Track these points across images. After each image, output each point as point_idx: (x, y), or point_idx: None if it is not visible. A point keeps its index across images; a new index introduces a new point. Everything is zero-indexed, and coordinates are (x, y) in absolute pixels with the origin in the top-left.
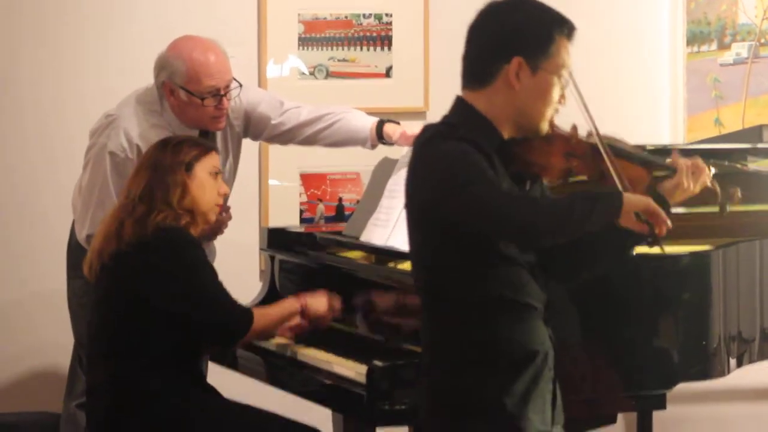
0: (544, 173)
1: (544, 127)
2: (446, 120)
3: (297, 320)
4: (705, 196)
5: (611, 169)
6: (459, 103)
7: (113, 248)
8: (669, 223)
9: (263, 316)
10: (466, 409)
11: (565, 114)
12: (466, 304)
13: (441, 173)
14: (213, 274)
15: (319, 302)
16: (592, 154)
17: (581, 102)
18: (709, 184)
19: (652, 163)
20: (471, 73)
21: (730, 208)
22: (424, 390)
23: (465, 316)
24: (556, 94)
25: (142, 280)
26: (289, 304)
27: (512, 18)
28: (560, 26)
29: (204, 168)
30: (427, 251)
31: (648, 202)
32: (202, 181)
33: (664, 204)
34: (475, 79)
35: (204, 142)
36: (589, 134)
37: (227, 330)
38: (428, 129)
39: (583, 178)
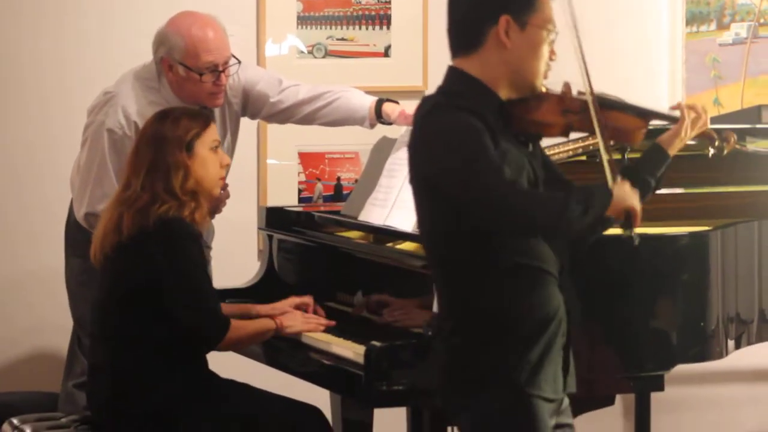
0: (545, 131)
1: (539, 83)
2: (442, 89)
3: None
4: (702, 143)
5: (596, 126)
6: (452, 71)
7: (114, 241)
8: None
9: (238, 329)
10: (479, 378)
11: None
12: (479, 272)
13: (442, 149)
14: (204, 275)
15: (292, 319)
16: (587, 111)
17: (580, 54)
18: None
19: (649, 113)
20: (459, 40)
21: (726, 150)
22: (438, 360)
23: (478, 285)
24: (546, 48)
25: (140, 271)
26: (265, 323)
27: None
28: None
29: (204, 144)
30: (436, 222)
31: (631, 201)
32: (204, 158)
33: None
34: (464, 45)
35: (201, 113)
36: (581, 93)
37: (200, 335)
38: (427, 101)
39: (583, 158)
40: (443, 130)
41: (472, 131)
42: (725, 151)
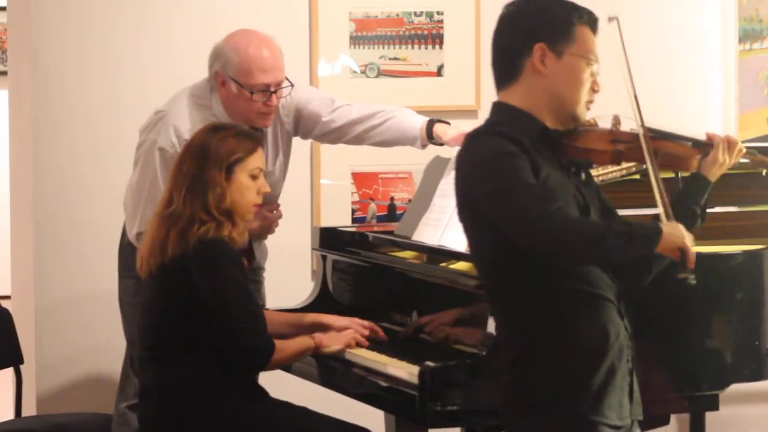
0: (594, 157)
1: (581, 112)
2: (487, 121)
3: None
4: (750, 166)
5: (647, 155)
6: (495, 106)
7: (158, 260)
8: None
9: (281, 350)
10: (542, 405)
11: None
12: (530, 297)
13: (479, 175)
14: (246, 296)
15: (330, 338)
16: (637, 142)
17: (631, 89)
18: (744, 152)
19: (701, 143)
20: (500, 73)
21: None
22: (500, 387)
23: (532, 311)
24: (586, 78)
25: (184, 292)
26: (304, 342)
27: (528, 11)
28: (578, 13)
29: (244, 171)
30: (486, 247)
31: (683, 240)
32: (241, 184)
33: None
34: (504, 78)
35: (252, 136)
36: (632, 129)
37: (246, 358)
38: (475, 129)
39: (637, 177)
40: (478, 155)
41: (505, 155)
42: None
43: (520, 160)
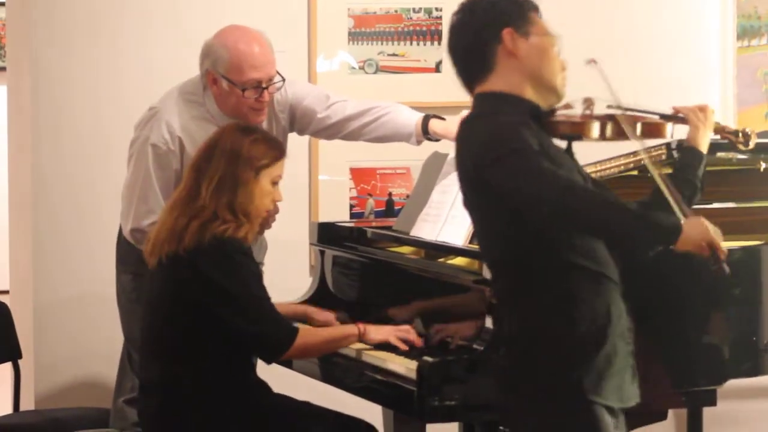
0: (582, 130)
1: (560, 84)
2: (476, 113)
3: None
4: (732, 141)
5: (652, 169)
6: (479, 97)
7: (173, 249)
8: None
9: (309, 335)
10: (542, 385)
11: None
12: (538, 272)
13: (490, 142)
14: (262, 288)
15: (376, 330)
16: (615, 120)
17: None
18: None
19: (668, 117)
20: (471, 71)
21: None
22: (499, 366)
23: (538, 287)
24: (555, 53)
25: (194, 286)
26: (347, 328)
27: (482, 8)
28: (526, 2)
29: (269, 176)
30: (493, 223)
31: (707, 234)
32: (263, 189)
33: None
34: (477, 72)
35: (279, 143)
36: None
37: (269, 343)
38: (470, 114)
39: (635, 173)
40: (486, 127)
41: (509, 125)
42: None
43: (525, 130)
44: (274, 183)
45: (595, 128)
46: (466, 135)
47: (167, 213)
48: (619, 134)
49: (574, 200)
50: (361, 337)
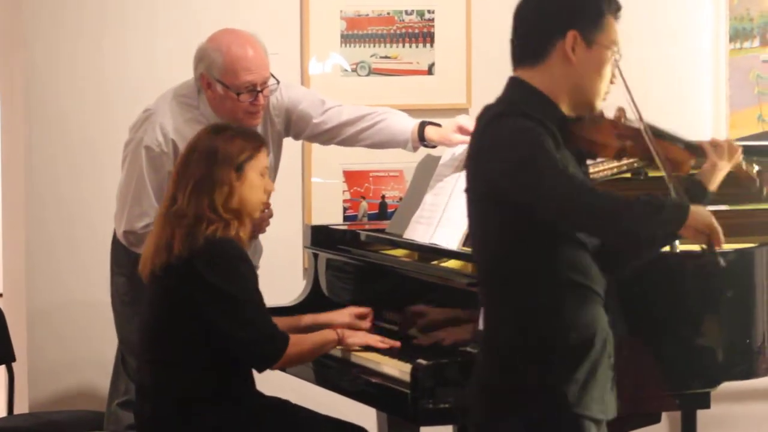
0: (600, 151)
1: (599, 104)
2: (505, 99)
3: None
4: (745, 185)
5: (654, 153)
6: (514, 82)
7: (164, 260)
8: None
9: (298, 343)
10: (525, 397)
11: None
12: (532, 284)
13: (508, 150)
14: (258, 293)
15: (354, 334)
16: (639, 138)
17: (625, 85)
18: (741, 163)
19: (698, 149)
20: (524, 50)
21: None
22: (482, 378)
23: (529, 298)
24: (609, 70)
25: (189, 292)
26: (325, 335)
27: None
28: (609, 2)
29: (254, 168)
30: (493, 229)
31: (711, 219)
32: (252, 182)
33: (703, 195)
34: (529, 56)
35: (256, 135)
36: (631, 121)
37: (260, 352)
38: (489, 110)
39: (628, 175)
40: (507, 133)
41: (536, 133)
42: (765, 193)
43: (546, 139)
44: (261, 174)
45: (616, 153)
46: (487, 132)
47: (155, 227)
48: (637, 156)
49: (593, 197)
50: (340, 341)
